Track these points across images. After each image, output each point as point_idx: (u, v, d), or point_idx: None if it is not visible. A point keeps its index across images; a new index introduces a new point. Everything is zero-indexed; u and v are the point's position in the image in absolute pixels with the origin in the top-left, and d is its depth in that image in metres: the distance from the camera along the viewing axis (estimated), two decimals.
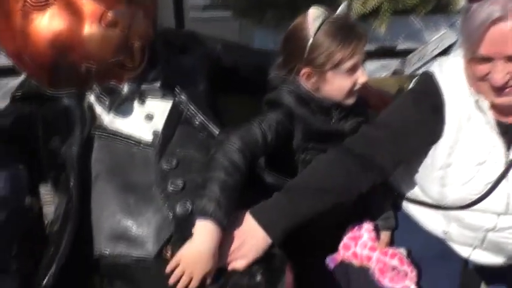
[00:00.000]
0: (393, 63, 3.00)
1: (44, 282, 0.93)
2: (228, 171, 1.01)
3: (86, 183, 1.06)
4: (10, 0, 1.03)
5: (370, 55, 3.06)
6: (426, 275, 1.25)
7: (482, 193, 1.10)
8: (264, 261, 1.00)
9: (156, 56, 1.19)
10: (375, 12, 2.61)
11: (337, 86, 1.17)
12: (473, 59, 0.98)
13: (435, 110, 1.09)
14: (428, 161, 1.16)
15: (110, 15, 0.98)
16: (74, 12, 1.01)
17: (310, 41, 1.13)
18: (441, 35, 2.89)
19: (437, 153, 1.12)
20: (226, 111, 1.57)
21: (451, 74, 1.10)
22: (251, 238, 1.01)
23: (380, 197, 1.34)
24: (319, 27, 1.12)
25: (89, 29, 1.00)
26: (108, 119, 1.13)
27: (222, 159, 1.03)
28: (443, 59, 1.19)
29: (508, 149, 1.07)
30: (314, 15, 1.13)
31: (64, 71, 1.08)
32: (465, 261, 1.34)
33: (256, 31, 2.59)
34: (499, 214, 1.12)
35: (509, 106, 1.03)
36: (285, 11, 2.45)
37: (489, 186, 1.08)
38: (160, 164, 1.07)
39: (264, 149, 1.12)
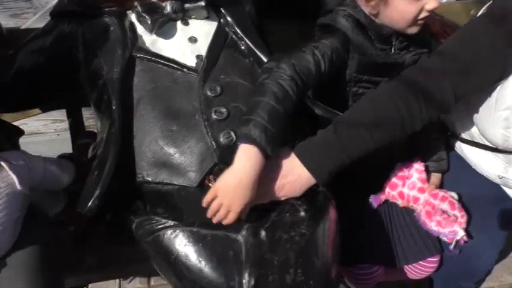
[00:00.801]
0: None
1: (89, 204, 0.92)
2: (278, 97, 0.94)
3: (129, 106, 1.02)
4: None
5: None
6: (477, 220, 1.20)
7: None
8: (308, 197, 0.96)
9: None
10: None
11: (400, 10, 1.03)
12: None
13: (510, 40, 0.96)
14: (492, 99, 1.05)
15: None
16: None
17: None
18: None
19: (506, 91, 1.01)
20: (272, 38, 1.48)
21: None
22: (295, 179, 0.95)
23: (434, 136, 1.26)
24: None
25: None
26: (150, 40, 1.07)
27: (272, 85, 0.95)
28: None
29: None
30: None
31: None
32: None
33: None
34: None
35: None
36: None
37: None
38: (204, 90, 1.01)
39: (317, 78, 1.04)
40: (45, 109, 1.48)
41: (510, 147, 1.08)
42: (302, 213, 0.92)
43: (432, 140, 1.27)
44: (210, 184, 0.96)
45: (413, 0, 1.01)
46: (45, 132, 2.23)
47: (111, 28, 1.06)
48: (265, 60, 1.07)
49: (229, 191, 0.88)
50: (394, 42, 1.11)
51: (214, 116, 0.99)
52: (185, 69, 1.04)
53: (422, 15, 1.03)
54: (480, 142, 1.18)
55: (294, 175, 0.95)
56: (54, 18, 1.15)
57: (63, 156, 1.35)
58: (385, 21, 1.07)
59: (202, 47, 1.07)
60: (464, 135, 1.24)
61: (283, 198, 0.96)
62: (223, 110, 0.99)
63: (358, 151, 0.97)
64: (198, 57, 1.06)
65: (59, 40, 1.12)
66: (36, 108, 1.43)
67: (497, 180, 1.19)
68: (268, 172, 0.94)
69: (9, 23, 2.30)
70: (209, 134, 0.97)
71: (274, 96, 0.94)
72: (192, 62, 1.05)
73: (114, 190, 0.97)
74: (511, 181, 1.17)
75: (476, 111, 1.12)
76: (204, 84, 1.02)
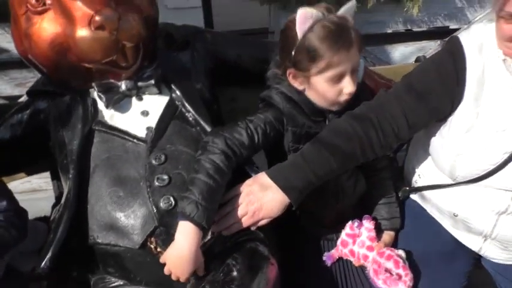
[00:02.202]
0: (431, 45, 2.85)
1: (42, 265, 1.02)
2: (209, 173, 1.05)
3: (85, 174, 1.14)
4: (16, 6, 1.15)
5: (404, 38, 2.94)
6: (428, 277, 1.23)
7: (498, 164, 1.05)
8: (244, 257, 1.04)
9: (153, 52, 1.23)
10: None
11: (321, 92, 1.13)
12: (503, 18, 0.98)
13: (456, 72, 1.07)
14: (445, 127, 1.13)
15: (97, 19, 1.03)
16: (67, 17, 1.07)
17: (297, 43, 1.09)
18: (487, 13, 2.69)
19: (455, 119, 1.10)
20: (237, 104, 1.60)
21: (477, 37, 1.08)
22: (270, 199, 1.07)
23: (388, 194, 1.32)
24: (308, 30, 1.06)
25: (80, 32, 1.06)
26: (109, 115, 1.20)
27: (204, 161, 1.07)
28: (471, 26, 1.16)
29: None
30: (304, 16, 1.06)
31: (65, 69, 1.17)
32: (476, 260, 1.29)
33: (282, 16, 2.56)
34: None
35: None
36: None
37: (506, 156, 1.04)
38: (149, 159, 1.12)
39: (250, 150, 1.14)
40: (29, 173, 1.62)
41: (462, 175, 1.12)
42: (234, 273, 1.00)
43: (386, 197, 1.32)
44: (152, 246, 1.06)
45: (332, 84, 1.11)
46: (46, 189, 2.36)
47: (74, 105, 1.20)
48: (209, 129, 1.18)
49: (174, 264, 1.02)
50: (327, 114, 1.19)
51: (156, 183, 1.09)
52: (136, 140, 1.16)
53: (343, 98, 1.13)
54: (435, 183, 1.23)
55: (269, 196, 1.07)
56: (31, 96, 1.31)
57: (38, 219, 1.47)
58: (311, 98, 1.17)
59: (153, 120, 1.19)
60: (421, 180, 1.29)
61: (263, 221, 1.08)
62: (165, 177, 1.10)
63: (324, 171, 1.08)
64: (148, 128, 1.18)
65: (33, 115, 1.27)
66: (20, 173, 1.56)
67: (453, 222, 1.23)
68: (244, 197, 1.06)
69: (14, 91, 2.54)
70: (151, 199, 1.08)
71: (206, 172, 1.05)
72: (142, 133, 1.17)
73: (73, 250, 1.08)
74: (464, 219, 1.19)
75: (432, 142, 1.19)
76: (151, 153, 1.13)
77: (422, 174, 1.28)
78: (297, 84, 1.16)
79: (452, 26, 2.93)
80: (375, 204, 1.32)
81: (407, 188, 1.33)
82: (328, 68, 1.08)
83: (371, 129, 1.08)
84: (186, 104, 1.21)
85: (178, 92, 1.22)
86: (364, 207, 1.33)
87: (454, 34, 1.14)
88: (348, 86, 1.10)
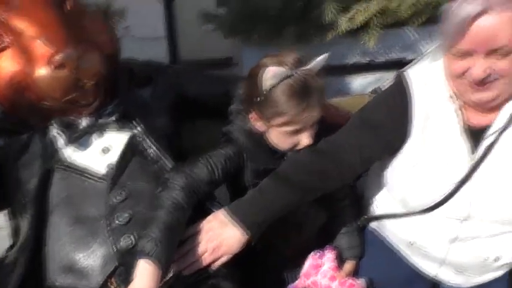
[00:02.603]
0: (388, 76, 2.98)
1: None
2: (169, 210, 1.05)
3: (43, 214, 1.12)
4: None
5: (363, 69, 3.07)
6: None
7: (446, 194, 1.10)
8: None
9: (115, 89, 1.24)
10: (364, 27, 2.61)
11: (278, 141, 1.17)
12: (453, 55, 1.01)
13: (404, 108, 1.11)
14: (396, 160, 1.17)
15: (57, 57, 1.03)
16: (27, 55, 1.07)
17: (263, 94, 1.11)
18: (434, 48, 2.86)
19: (404, 153, 1.14)
20: (201, 138, 1.62)
21: (423, 74, 1.12)
22: (230, 236, 1.08)
23: (349, 223, 1.34)
24: (274, 86, 1.09)
25: (39, 71, 1.06)
26: (68, 153, 1.18)
27: (164, 198, 1.08)
28: (421, 61, 1.20)
29: (473, 152, 1.08)
30: (272, 74, 1.08)
31: (24, 108, 1.15)
32: (435, 286, 1.33)
33: (245, 49, 2.62)
34: (462, 220, 1.12)
35: (485, 103, 1.04)
36: (272, 29, 2.48)
37: (452, 187, 1.09)
38: (109, 197, 1.12)
39: (211, 186, 1.16)
40: None
41: (414, 205, 1.16)
42: None
43: (346, 226, 1.34)
44: (112, 286, 1.04)
45: (290, 136, 1.15)
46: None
47: (33, 142, 1.18)
48: (170, 166, 1.19)
49: None
50: (287, 152, 1.21)
51: (116, 221, 1.09)
52: (96, 178, 1.15)
53: (298, 147, 1.17)
54: (391, 212, 1.27)
55: (228, 232, 1.08)
56: None
57: None
58: (269, 141, 1.19)
59: (114, 156, 1.19)
60: (378, 210, 1.33)
61: (223, 258, 1.09)
62: (126, 215, 1.09)
63: (282, 206, 1.11)
64: (109, 165, 1.17)
65: None
66: None
67: (409, 251, 1.27)
68: (203, 235, 1.07)
69: None
70: (111, 238, 1.07)
71: (166, 209, 1.06)
72: (103, 170, 1.17)
73: None
74: (420, 247, 1.23)
75: (385, 174, 1.23)
76: (111, 191, 1.13)
77: (379, 204, 1.32)
78: (258, 126, 1.19)
79: (409, 57, 3.07)
80: (336, 233, 1.34)
81: (366, 217, 1.37)
82: (289, 124, 1.11)
83: (328, 163, 1.12)
84: (148, 140, 1.21)
85: (139, 128, 1.22)
86: (326, 237, 1.35)
87: (402, 70, 1.19)
88: (305, 140, 1.14)
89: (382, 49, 2.92)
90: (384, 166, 1.22)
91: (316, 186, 1.13)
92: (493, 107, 1.06)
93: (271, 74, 1.08)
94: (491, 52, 0.95)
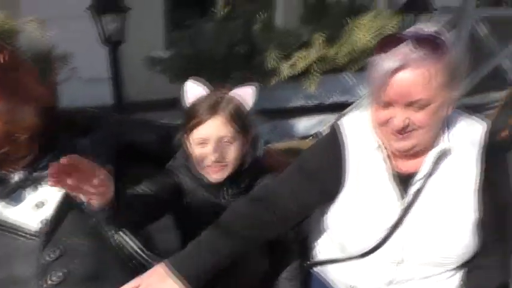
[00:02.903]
0: (330, 118, 3.13)
1: None
2: None
3: None
4: None
5: (306, 112, 3.21)
6: None
7: (380, 240, 1.13)
8: None
9: (51, 141, 1.20)
10: (305, 72, 2.75)
11: (194, 155, 1.21)
12: (378, 105, 1.06)
13: (337, 158, 1.16)
14: (333, 208, 1.20)
15: None
16: None
17: (186, 108, 1.21)
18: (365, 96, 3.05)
19: (340, 200, 1.17)
20: (142, 182, 1.59)
21: (355, 124, 1.18)
22: None
23: (292, 269, 1.34)
24: (195, 100, 1.19)
25: None
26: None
27: None
28: (354, 110, 1.27)
29: (403, 197, 1.12)
30: (188, 87, 1.22)
31: None
32: None
33: None
34: (397, 263, 1.15)
35: (407, 151, 1.09)
36: (217, 72, 2.55)
37: (385, 232, 1.12)
38: (43, 255, 1.06)
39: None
40: None
41: (351, 251, 1.19)
42: None
43: (289, 272, 1.34)
44: None
45: (198, 147, 1.19)
46: None
47: None
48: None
49: None
50: (225, 190, 1.24)
51: (49, 281, 1.03)
52: (28, 235, 1.09)
53: (207, 162, 1.19)
54: (332, 258, 1.29)
55: (168, 287, 1.04)
56: None
57: None
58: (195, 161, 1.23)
59: (49, 211, 1.13)
60: (320, 254, 1.34)
61: None
62: (60, 273, 1.04)
63: (223, 257, 1.10)
64: (43, 221, 1.12)
65: None
66: None
67: None
68: None
69: None
70: None
71: None
72: (36, 227, 1.11)
73: None
74: None
75: (325, 220, 1.25)
76: (44, 248, 1.07)
77: (321, 248, 1.35)
78: (188, 148, 1.23)
79: (349, 100, 3.25)
80: (279, 279, 1.35)
81: (309, 262, 1.39)
82: (195, 126, 1.18)
83: (266, 211, 1.14)
84: None
85: None
86: (269, 283, 1.35)
87: (335, 121, 1.25)
88: (209, 154, 1.17)
89: (323, 93, 3.09)
90: (323, 212, 1.26)
91: (255, 235, 1.14)
92: (418, 154, 1.12)
93: (187, 87, 1.21)
94: (410, 104, 1.01)
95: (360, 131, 1.18)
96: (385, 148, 1.13)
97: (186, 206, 1.23)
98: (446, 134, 1.10)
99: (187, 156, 1.25)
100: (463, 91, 1.07)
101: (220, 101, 1.18)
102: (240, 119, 1.20)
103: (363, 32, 2.80)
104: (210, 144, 1.17)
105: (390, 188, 1.13)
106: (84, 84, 4.40)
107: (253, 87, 1.26)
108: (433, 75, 0.98)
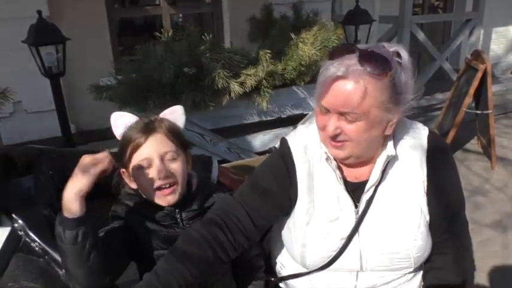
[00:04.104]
0: (286, 132, 3.17)
1: None
2: None
3: None
4: None
5: (261, 128, 3.24)
6: None
7: (338, 250, 1.14)
8: None
9: None
10: (256, 89, 2.78)
11: (140, 183, 1.16)
12: (319, 110, 1.07)
13: (288, 173, 1.16)
14: (290, 222, 1.20)
15: None
16: None
17: (119, 141, 1.16)
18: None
19: (296, 214, 1.17)
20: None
21: (302, 139, 1.19)
22: None
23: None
24: (123, 129, 1.16)
25: None
26: None
27: None
28: (300, 126, 1.27)
29: (356, 207, 1.14)
30: (115, 118, 1.18)
31: None
32: None
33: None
34: (356, 272, 1.16)
35: (342, 159, 1.11)
36: (166, 98, 2.53)
37: (343, 241, 1.13)
38: None
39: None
40: None
41: (311, 264, 1.18)
42: None
43: None
44: None
45: (143, 171, 1.14)
46: None
47: None
48: (58, 258, 1.10)
49: None
50: (178, 215, 1.20)
51: None
52: None
53: (156, 185, 1.14)
54: (295, 272, 1.27)
55: None
56: None
57: None
58: (143, 194, 1.18)
59: None
60: (283, 270, 1.33)
61: None
62: None
63: (180, 283, 1.06)
64: None
65: None
66: None
67: None
68: None
69: None
70: None
71: None
72: None
73: None
74: None
75: (283, 235, 1.24)
76: None
77: (283, 265, 1.34)
78: (131, 184, 1.18)
79: (304, 113, 3.30)
80: None
81: (273, 279, 1.38)
82: (134, 150, 1.12)
83: (219, 232, 1.12)
84: (31, 233, 1.13)
85: (20, 221, 1.13)
86: None
87: (284, 137, 1.26)
88: (156, 173, 1.13)
89: (276, 107, 3.13)
90: (281, 227, 1.26)
91: (210, 258, 1.12)
92: (367, 162, 1.15)
93: (116, 117, 1.17)
94: (342, 114, 1.03)
95: (309, 144, 1.19)
96: (334, 159, 1.15)
97: (141, 243, 1.18)
98: (392, 141, 1.13)
99: (131, 194, 1.19)
100: (403, 114, 1.08)
101: (153, 121, 1.16)
102: (177, 135, 1.17)
103: (307, 45, 2.87)
104: (154, 163, 1.13)
105: (343, 198, 1.14)
106: (32, 116, 4.25)
107: (180, 107, 1.24)
108: (370, 92, 0.98)
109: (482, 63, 3.72)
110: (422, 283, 1.22)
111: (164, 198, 1.15)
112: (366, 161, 1.14)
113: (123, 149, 1.14)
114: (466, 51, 5.64)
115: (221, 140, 3.07)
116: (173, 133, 1.16)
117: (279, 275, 1.38)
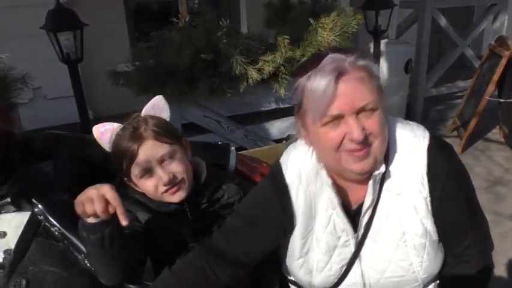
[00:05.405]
0: None
1: None
2: None
3: None
4: None
5: (279, 115, 3.20)
6: None
7: (340, 275, 1.10)
8: None
9: (9, 168, 1.15)
10: (273, 76, 2.74)
11: (145, 190, 1.14)
12: (326, 127, 0.97)
13: (280, 203, 1.09)
14: (290, 249, 1.14)
15: None
16: None
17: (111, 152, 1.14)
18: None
19: (294, 242, 1.12)
20: None
21: (295, 166, 1.10)
22: None
23: None
24: (110, 140, 1.13)
25: None
26: None
27: None
28: (293, 146, 1.16)
29: (356, 230, 1.08)
30: (98, 131, 1.15)
31: None
32: None
33: None
34: None
35: (367, 172, 1.01)
36: (184, 82, 2.51)
37: (344, 268, 1.09)
38: (8, 286, 1.01)
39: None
40: None
41: (313, 284, 1.14)
42: None
43: None
44: None
45: (147, 179, 1.12)
46: None
47: None
48: (77, 242, 1.11)
49: None
50: (188, 209, 1.18)
51: None
52: None
53: (162, 189, 1.12)
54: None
55: None
56: None
57: None
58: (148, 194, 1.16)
59: (12, 240, 1.09)
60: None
61: None
62: None
63: None
64: (6, 251, 1.07)
65: None
66: None
67: None
68: None
69: None
70: None
71: None
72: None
73: None
74: None
75: (285, 261, 1.18)
76: (9, 280, 1.02)
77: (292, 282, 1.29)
78: (136, 189, 1.16)
79: None
80: None
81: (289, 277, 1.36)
82: (131, 162, 1.10)
83: (214, 262, 1.08)
84: (50, 218, 1.13)
85: (40, 206, 1.14)
86: None
87: (276, 162, 1.16)
88: (162, 178, 1.10)
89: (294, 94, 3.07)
90: (282, 252, 1.18)
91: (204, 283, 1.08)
92: (363, 182, 1.05)
93: (96, 131, 1.15)
94: (360, 111, 0.96)
95: (300, 173, 1.10)
96: (331, 185, 1.05)
97: (152, 239, 1.17)
98: (384, 157, 1.03)
99: (139, 192, 1.17)
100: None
101: (138, 126, 1.11)
102: (167, 132, 1.13)
103: (326, 31, 2.81)
104: (154, 171, 1.11)
105: (342, 225, 1.07)
106: (50, 102, 4.30)
107: (159, 97, 1.19)
108: (369, 77, 0.96)
109: (507, 49, 3.61)
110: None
111: (173, 197, 1.13)
112: (363, 180, 1.05)
113: (118, 161, 1.11)
114: (489, 38, 5.48)
115: (238, 127, 3.05)
116: (162, 132, 1.11)
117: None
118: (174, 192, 1.12)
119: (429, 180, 1.02)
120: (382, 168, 1.01)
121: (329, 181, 1.04)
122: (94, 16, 3.75)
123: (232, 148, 1.56)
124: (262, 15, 3.40)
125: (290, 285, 1.29)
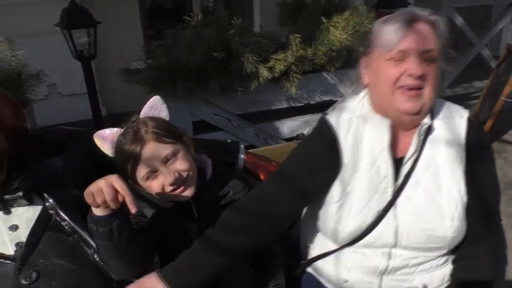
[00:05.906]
0: (314, 119, 3.12)
1: None
2: None
3: None
4: None
5: (290, 113, 3.19)
6: None
7: (372, 222, 1.13)
8: None
9: (22, 162, 1.17)
10: (285, 75, 2.74)
11: (153, 191, 1.16)
12: (390, 61, 1.08)
13: (329, 149, 1.16)
14: (329, 194, 1.19)
15: None
16: None
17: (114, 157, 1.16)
18: (355, 89, 3.05)
19: (335, 185, 1.17)
20: None
21: (345, 110, 1.19)
22: None
23: (279, 279, 1.32)
24: (111, 145, 1.16)
25: None
26: None
27: None
28: (339, 103, 1.29)
29: (396, 179, 1.13)
30: (98, 138, 1.18)
31: None
32: None
33: (170, 104, 2.64)
34: (389, 250, 1.15)
35: (414, 113, 1.10)
36: (195, 81, 2.53)
37: (377, 215, 1.13)
38: (18, 280, 1.03)
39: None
40: None
41: (344, 237, 1.18)
42: None
43: (275, 280, 1.31)
44: None
45: (151, 182, 1.14)
46: None
47: None
48: (87, 237, 1.13)
49: None
50: (193, 206, 1.19)
51: None
52: (2, 260, 1.06)
53: (167, 190, 1.14)
54: (324, 251, 1.27)
55: None
56: None
57: None
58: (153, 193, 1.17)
59: (23, 234, 1.11)
60: (312, 252, 1.33)
61: None
62: None
63: (211, 267, 1.11)
64: (18, 244, 1.09)
65: None
66: None
67: (345, 286, 1.26)
68: None
69: None
70: None
71: None
72: (11, 250, 1.08)
73: None
74: (354, 284, 1.23)
75: (316, 210, 1.24)
76: (20, 272, 1.04)
77: (313, 245, 1.33)
78: (144, 190, 1.18)
79: (333, 99, 3.24)
80: None
81: (303, 262, 1.37)
82: (135, 165, 1.12)
83: (258, 220, 1.14)
84: (61, 213, 1.15)
85: (51, 200, 1.16)
86: None
87: (323, 115, 1.24)
88: (165, 180, 1.12)
89: (305, 93, 3.07)
90: (315, 205, 1.25)
91: (246, 245, 1.14)
92: (410, 131, 1.14)
93: (97, 137, 1.18)
94: (424, 53, 1.06)
95: (354, 116, 1.18)
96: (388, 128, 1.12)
97: (161, 237, 1.19)
98: (430, 114, 1.14)
99: (147, 195, 1.20)
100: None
101: (138, 130, 1.13)
102: (167, 132, 1.14)
103: (339, 30, 2.80)
104: (160, 171, 1.12)
105: (386, 170, 1.13)
106: (65, 99, 4.36)
107: (156, 97, 1.21)
108: (438, 31, 1.08)
109: None
110: (452, 271, 1.19)
111: (180, 196, 1.15)
112: (410, 131, 1.14)
113: (123, 166, 1.13)
114: (507, 38, 5.38)
115: (249, 125, 3.05)
116: (163, 133, 1.13)
117: (308, 258, 1.36)
118: (182, 191, 1.14)
119: (467, 148, 1.13)
120: (428, 120, 1.12)
121: (387, 121, 1.12)
122: (108, 14, 3.79)
123: (242, 146, 1.57)
124: (276, 13, 3.40)
125: (307, 269, 1.32)
